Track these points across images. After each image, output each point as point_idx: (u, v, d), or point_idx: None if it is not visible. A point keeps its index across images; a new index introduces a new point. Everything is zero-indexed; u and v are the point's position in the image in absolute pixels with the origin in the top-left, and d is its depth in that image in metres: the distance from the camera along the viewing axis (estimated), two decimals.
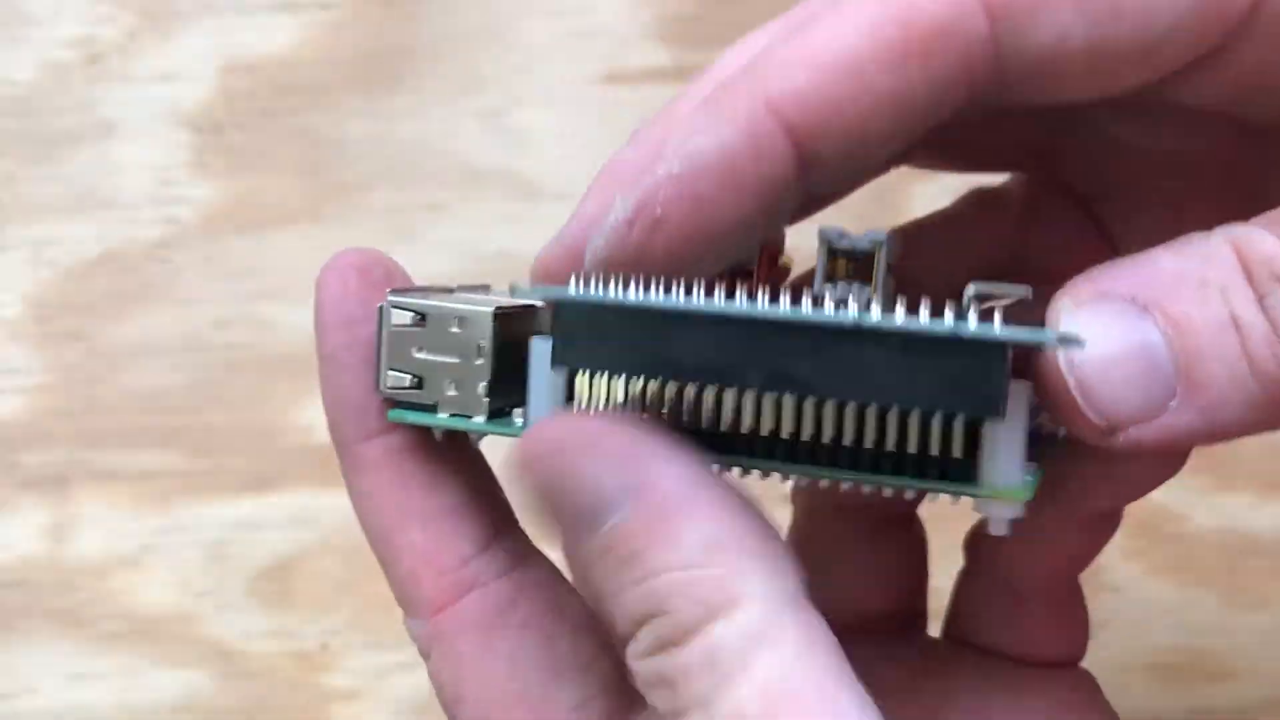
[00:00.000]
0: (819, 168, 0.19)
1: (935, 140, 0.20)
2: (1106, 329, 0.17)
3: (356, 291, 0.23)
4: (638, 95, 0.38)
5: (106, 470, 0.37)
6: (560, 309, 0.20)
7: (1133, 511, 0.37)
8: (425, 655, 0.22)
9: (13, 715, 0.36)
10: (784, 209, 0.20)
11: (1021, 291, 0.21)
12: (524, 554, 0.23)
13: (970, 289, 0.20)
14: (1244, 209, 0.19)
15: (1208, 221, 0.18)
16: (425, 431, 0.22)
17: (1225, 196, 0.21)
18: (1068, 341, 0.17)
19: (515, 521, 0.23)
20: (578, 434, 0.19)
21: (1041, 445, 0.20)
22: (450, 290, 0.24)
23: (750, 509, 0.18)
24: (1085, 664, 0.37)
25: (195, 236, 0.38)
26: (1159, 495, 0.37)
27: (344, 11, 0.38)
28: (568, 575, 0.23)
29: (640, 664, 0.18)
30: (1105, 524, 0.25)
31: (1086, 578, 0.37)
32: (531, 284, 0.23)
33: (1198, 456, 0.37)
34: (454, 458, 0.22)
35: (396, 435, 0.22)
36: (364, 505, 0.22)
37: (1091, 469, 0.22)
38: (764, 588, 0.17)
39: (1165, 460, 0.23)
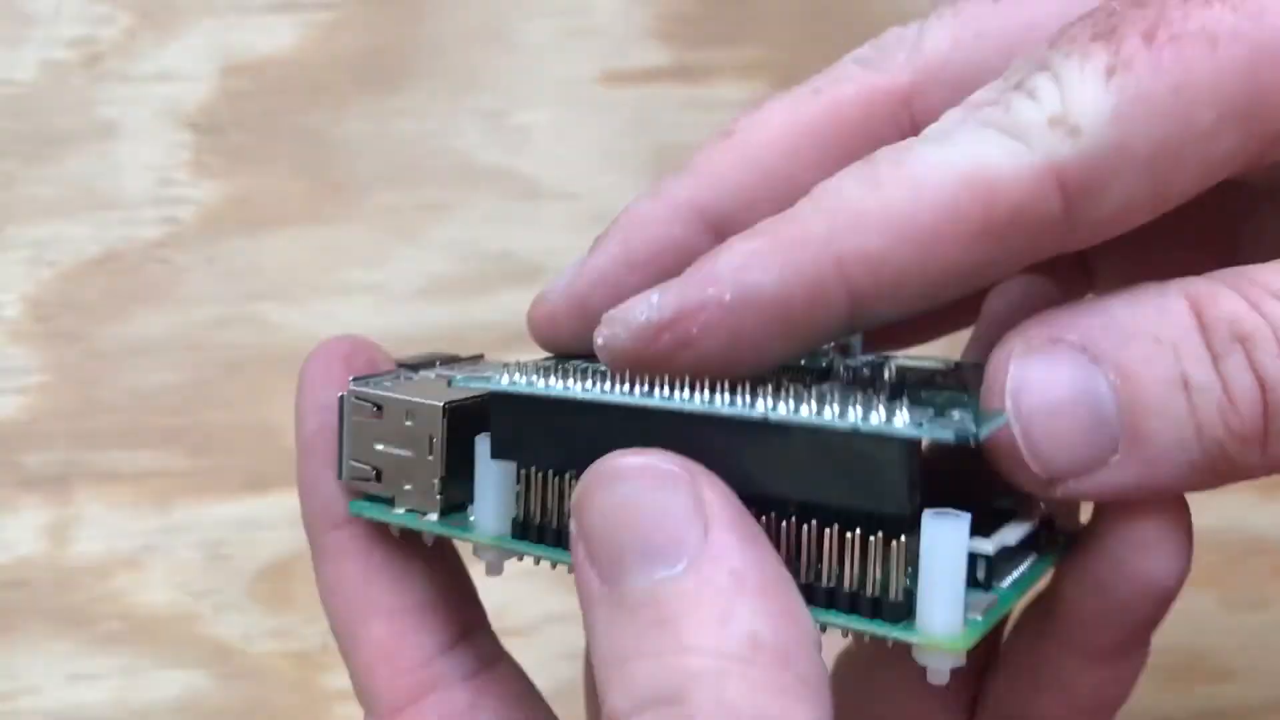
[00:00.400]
0: (869, 316, 0.18)
1: None
2: (1055, 376, 0.17)
3: (338, 378, 0.22)
4: (637, 95, 0.38)
5: (106, 470, 0.37)
6: (492, 401, 0.20)
7: None
8: None
9: (13, 715, 0.36)
10: (819, 344, 0.19)
11: (940, 365, 0.20)
12: (490, 658, 0.22)
13: (891, 366, 0.20)
14: (1217, 255, 0.19)
15: (1179, 259, 0.18)
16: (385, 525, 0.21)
17: (1200, 239, 0.21)
18: (974, 435, 0.16)
19: (484, 623, 0.23)
20: (657, 469, 0.17)
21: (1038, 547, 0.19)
22: (438, 362, 0.23)
23: (803, 611, 0.17)
24: None
25: (195, 236, 0.38)
26: None
27: (344, 11, 0.38)
28: (536, 678, 0.23)
29: None
30: (1128, 654, 0.21)
31: None
32: (530, 329, 0.22)
33: None
34: (423, 551, 0.22)
35: (363, 525, 0.22)
36: (328, 596, 0.22)
37: (1090, 599, 0.20)
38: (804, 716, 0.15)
39: (1169, 575, 0.20)
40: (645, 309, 0.18)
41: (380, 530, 0.22)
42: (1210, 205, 0.19)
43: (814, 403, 0.17)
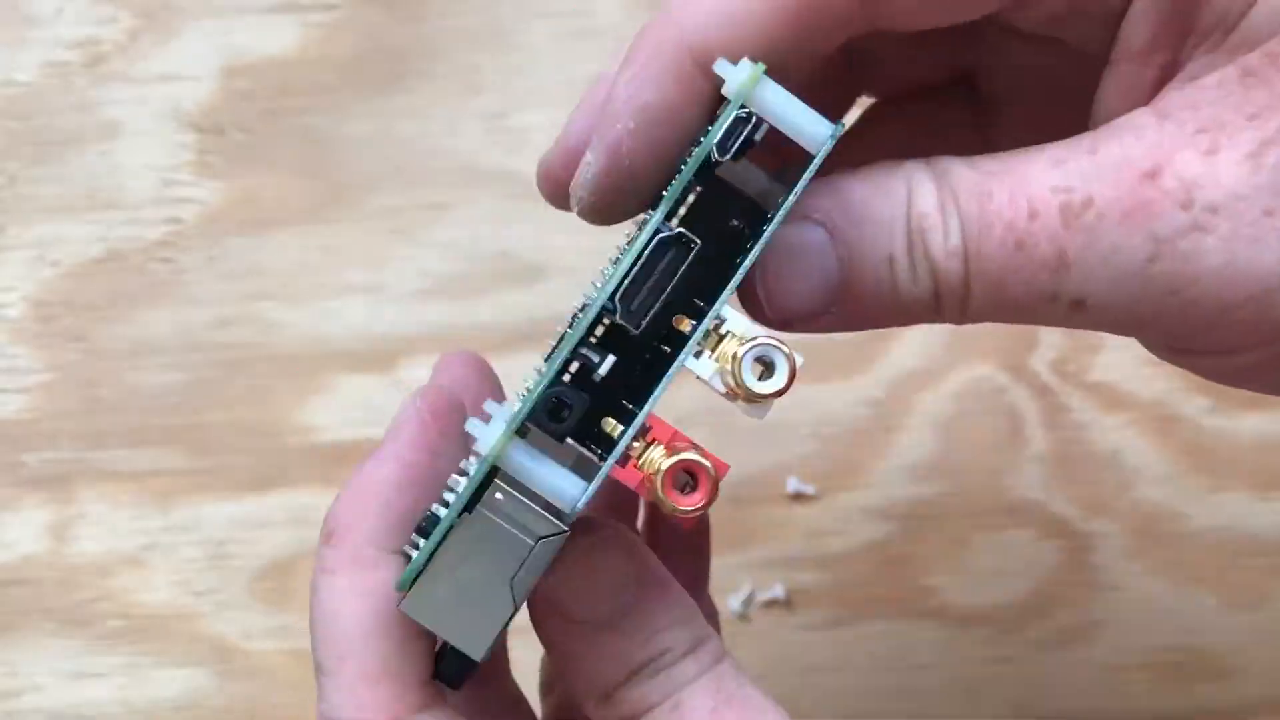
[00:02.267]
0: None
1: (870, 73, 0.25)
2: (800, 243, 0.21)
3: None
4: None
5: (108, 469, 0.37)
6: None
7: (1131, 511, 0.37)
8: None
9: (15, 713, 0.36)
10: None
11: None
12: (486, 675, 0.24)
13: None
14: (1078, 122, 0.23)
15: (1053, 127, 0.22)
16: None
17: (1067, 110, 0.24)
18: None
19: None
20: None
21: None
22: None
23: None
24: (1082, 662, 0.37)
25: (197, 237, 0.38)
26: (1157, 495, 0.37)
27: (345, 13, 0.39)
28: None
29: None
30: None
31: (1083, 576, 0.37)
32: (538, 186, 0.25)
33: (1196, 457, 0.37)
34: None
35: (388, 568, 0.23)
36: (330, 615, 0.22)
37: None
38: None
39: None
40: (588, 166, 0.22)
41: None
42: (1070, 82, 0.23)
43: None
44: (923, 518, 0.37)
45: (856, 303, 0.21)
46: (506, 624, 0.22)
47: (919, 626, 0.36)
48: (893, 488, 0.37)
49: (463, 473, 0.22)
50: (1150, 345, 0.22)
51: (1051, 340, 0.37)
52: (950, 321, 0.22)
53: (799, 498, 0.36)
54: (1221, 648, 0.37)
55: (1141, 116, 0.20)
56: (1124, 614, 0.37)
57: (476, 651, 0.22)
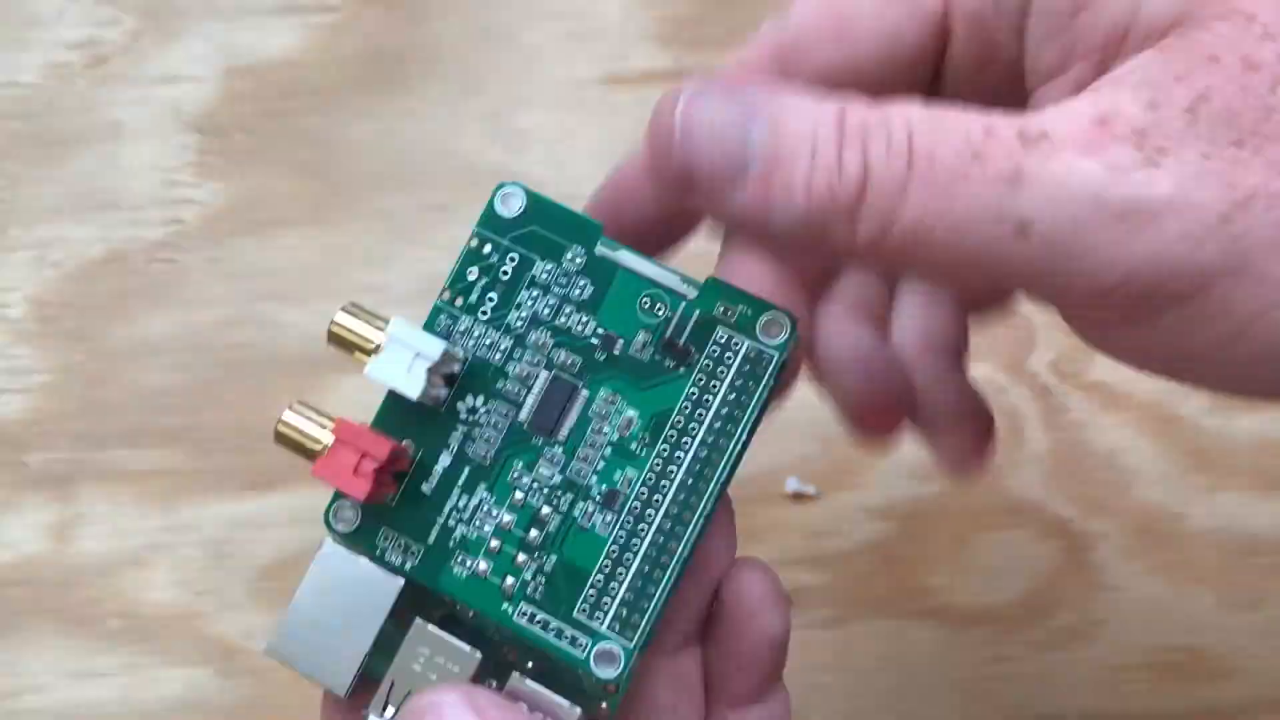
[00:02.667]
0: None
1: None
2: (723, 111, 0.21)
3: None
4: (638, 97, 0.38)
5: (110, 469, 0.37)
6: None
7: (1130, 511, 0.37)
8: None
9: (16, 713, 0.36)
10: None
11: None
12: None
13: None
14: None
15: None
16: None
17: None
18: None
19: None
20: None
21: None
22: None
23: None
24: (1082, 662, 0.37)
25: (199, 237, 0.38)
26: (1156, 494, 0.37)
27: (346, 14, 0.39)
28: None
29: None
30: (771, 695, 0.27)
31: (1083, 576, 0.37)
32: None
33: (1196, 456, 0.37)
34: None
35: None
36: None
37: (728, 661, 0.26)
38: None
39: None
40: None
41: None
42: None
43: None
44: (923, 518, 0.37)
45: (761, 182, 0.20)
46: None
47: (919, 626, 0.36)
48: (893, 488, 0.37)
49: None
50: (1076, 304, 0.22)
51: (1050, 340, 0.37)
52: (856, 244, 0.21)
53: (799, 498, 0.37)
54: (1221, 647, 0.37)
55: (1083, 93, 0.21)
56: (1123, 613, 0.37)
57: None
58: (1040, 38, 0.23)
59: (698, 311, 0.24)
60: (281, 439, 0.25)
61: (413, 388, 0.23)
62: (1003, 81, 0.25)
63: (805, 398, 0.28)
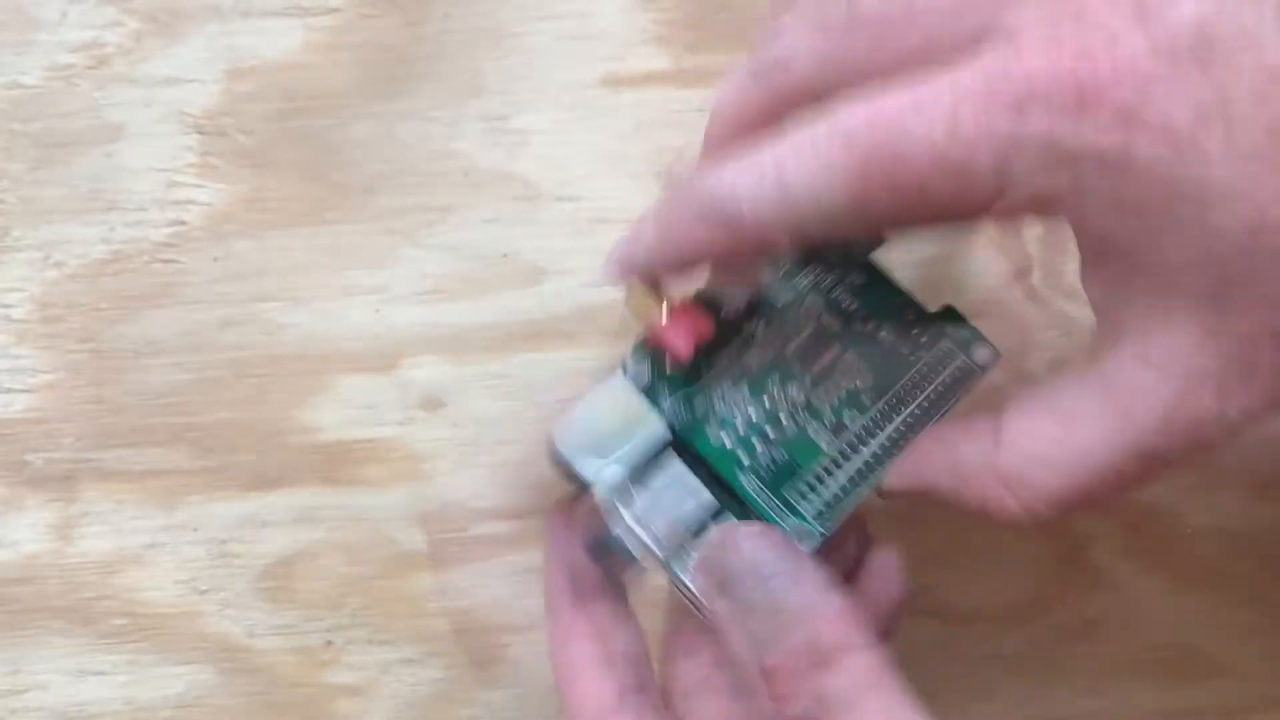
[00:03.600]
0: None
1: None
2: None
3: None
4: (637, 98, 0.39)
5: (113, 469, 0.37)
6: None
7: (1128, 511, 0.37)
8: None
9: (20, 710, 0.36)
10: None
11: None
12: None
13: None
14: None
15: None
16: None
17: None
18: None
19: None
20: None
21: None
22: None
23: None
24: (1080, 660, 0.37)
25: (201, 238, 0.38)
26: (1154, 494, 0.37)
27: (348, 16, 0.39)
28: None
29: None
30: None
31: (1081, 575, 0.37)
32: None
33: None
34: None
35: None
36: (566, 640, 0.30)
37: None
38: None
39: None
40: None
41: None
42: None
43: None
44: (922, 517, 0.37)
45: None
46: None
47: (918, 625, 0.36)
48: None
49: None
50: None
51: (1049, 341, 0.38)
52: None
53: None
54: (1219, 647, 0.37)
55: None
56: (1120, 613, 0.37)
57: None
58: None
59: (935, 323, 0.32)
60: (632, 307, 0.31)
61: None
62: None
63: None
